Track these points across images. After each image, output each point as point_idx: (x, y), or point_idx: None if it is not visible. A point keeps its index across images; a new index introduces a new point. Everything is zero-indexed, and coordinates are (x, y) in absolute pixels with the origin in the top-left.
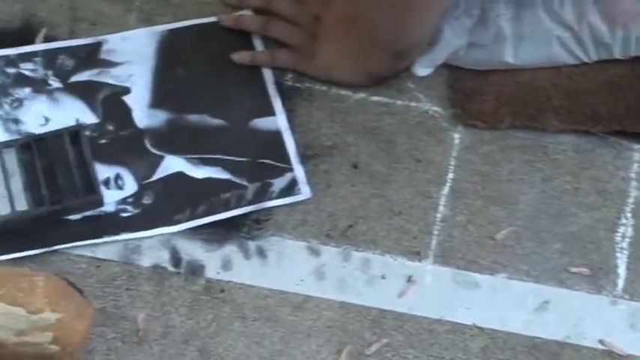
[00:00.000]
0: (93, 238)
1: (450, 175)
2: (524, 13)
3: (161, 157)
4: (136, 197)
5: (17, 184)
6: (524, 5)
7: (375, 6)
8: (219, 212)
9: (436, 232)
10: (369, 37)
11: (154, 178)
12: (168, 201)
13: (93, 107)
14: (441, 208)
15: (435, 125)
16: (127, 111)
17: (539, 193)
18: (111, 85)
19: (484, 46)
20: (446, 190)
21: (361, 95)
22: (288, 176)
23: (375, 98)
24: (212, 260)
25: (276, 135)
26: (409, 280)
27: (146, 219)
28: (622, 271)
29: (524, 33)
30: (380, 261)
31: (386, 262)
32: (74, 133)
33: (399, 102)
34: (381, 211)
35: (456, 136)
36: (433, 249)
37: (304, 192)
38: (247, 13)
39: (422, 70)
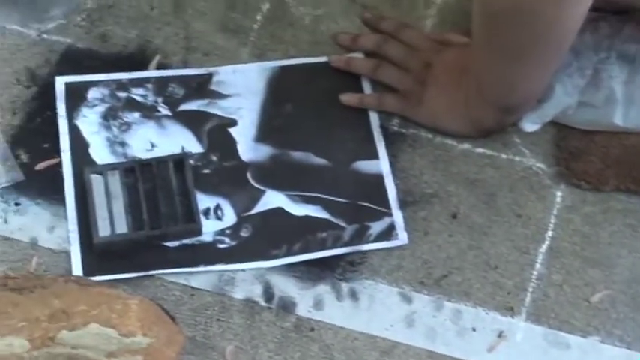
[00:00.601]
0: (188, 266)
1: (550, 233)
2: (637, 76)
3: (262, 192)
4: (234, 229)
5: (119, 206)
6: (637, 69)
7: (488, 59)
8: (314, 251)
9: (531, 289)
10: (479, 90)
11: (254, 211)
12: (266, 236)
13: (199, 137)
14: (538, 266)
15: (537, 182)
16: (232, 143)
17: (638, 258)
18: (218, 116)
19: (594, 106)
20: (544, 247)
21: (466, 146)
22: (386, 221)
23: (480, 150)
24: (304, 298)
25: (378, 179)
26: (500, 335)
27: (242, 252)
28: None
29: (635, 97)
30: (472, 313)
31: (478, 315)
32: (179, 161)
33: (504, 156)
34: (476, 264)
35: (558, 194)
36: (526, 306)
37: (401, 238)
38: (358, 55)
39: (529, 125)
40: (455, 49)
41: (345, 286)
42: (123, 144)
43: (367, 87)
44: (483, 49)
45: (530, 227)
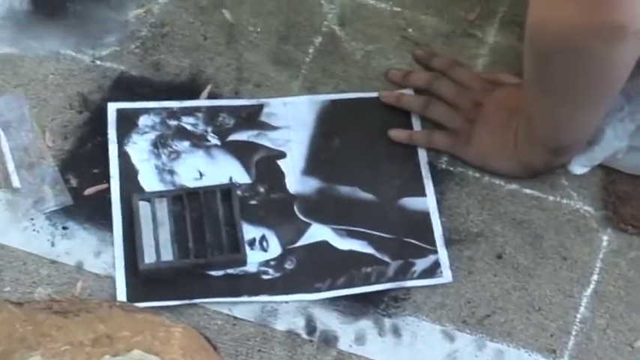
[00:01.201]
0: (232, 296)
1: (595, 277)
2: None
3: (308, 225)
4: (279, 261)
5: (165, 234)
6: None
7: (538, 99)
8: (358, 286)
9: (574, 333)
10: (529, 130)
11: (299, 244)
12: (310, 269)
13: (247, 167)
14: (582, 309)
15: (584, 225)
16: (280, 175)
17: None
18: (267, 147)
19: None
20: (589, 291)
21: (513, 186)
22: (431, 258)
23: (528, 191)
24: (346, 333)
25: (424, 216)
26: None
27: (286, 283)
28: None
29: None
30: (514, 355)
31: (520, 357)
32: (226, 190)
33: (551, 197)
34: (520, 305)
35: (605, 238)
36: (569, 349)
37: (445, 276)
38: (409, 92)
39: (578, 168)
40: (505, 89)
41: (387, 322)
42: (171, 172)
43: (416, 124)
44: (534, 89)
45: (576, 270)
